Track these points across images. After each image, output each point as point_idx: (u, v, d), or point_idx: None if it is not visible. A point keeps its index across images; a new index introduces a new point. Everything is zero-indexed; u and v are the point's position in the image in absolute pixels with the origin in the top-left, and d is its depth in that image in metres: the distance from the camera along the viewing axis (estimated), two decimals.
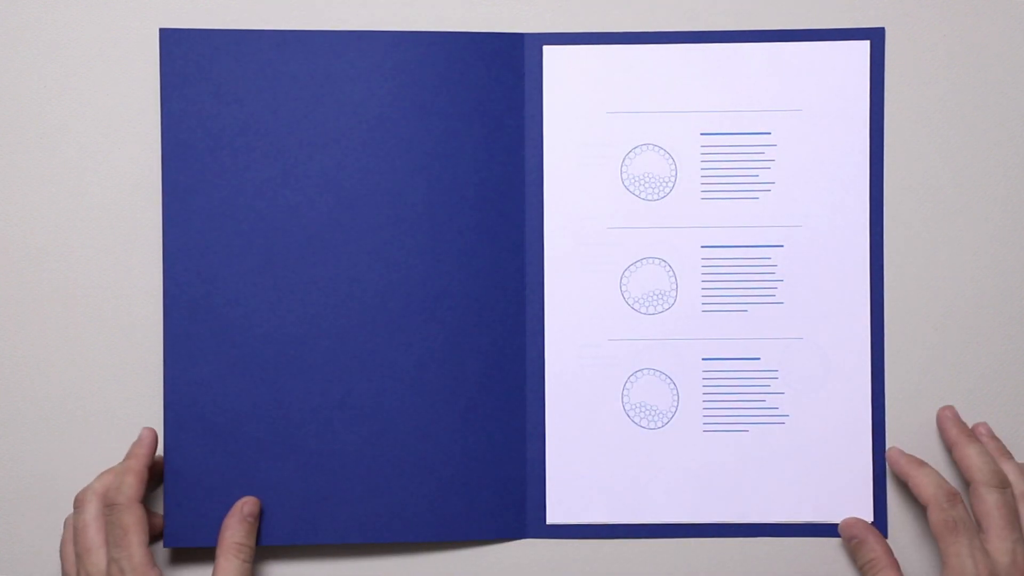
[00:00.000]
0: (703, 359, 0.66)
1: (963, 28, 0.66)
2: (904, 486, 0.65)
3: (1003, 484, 0.61)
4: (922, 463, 0.63)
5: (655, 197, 0.66)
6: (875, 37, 0.66)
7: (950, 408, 0.65)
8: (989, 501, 0.60)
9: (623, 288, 0.66)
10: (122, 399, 0.66)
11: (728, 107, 0.66)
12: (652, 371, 0.66)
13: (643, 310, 0.66)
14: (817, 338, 0.66)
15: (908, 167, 0.66)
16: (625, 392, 0.66)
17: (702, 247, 0.66)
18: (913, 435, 0.66)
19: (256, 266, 0.65)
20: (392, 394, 0.65)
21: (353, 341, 0.65)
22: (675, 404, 0.66)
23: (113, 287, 0.66)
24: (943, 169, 0.66)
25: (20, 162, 0.66)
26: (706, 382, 0.66)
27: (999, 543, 0.59)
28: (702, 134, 0.66)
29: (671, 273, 0.66)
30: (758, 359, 0.66)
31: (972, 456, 0.62)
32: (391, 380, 0.65)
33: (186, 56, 0.65)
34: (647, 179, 0.66)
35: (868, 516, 0.66)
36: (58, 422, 0.66)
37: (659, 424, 0.66)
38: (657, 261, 0.66)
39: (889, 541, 0.65)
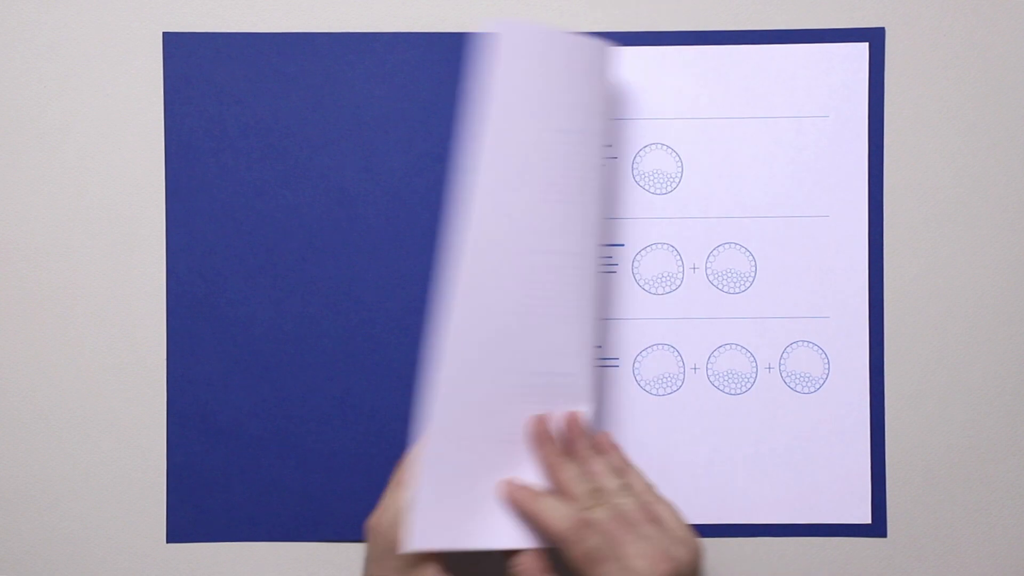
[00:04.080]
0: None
1: (963, 28, 0.66)
2: (904, 486, 0.65)
3: (600, 501, 0.57)
4: (541, 493, 0.58)
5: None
6: (875, 37, 0.66)
7: (538, 421, 0.59)
8: (599, 524, 0.56)
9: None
10: (124, 399, 0.66)
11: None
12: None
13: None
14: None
15: (908, 167, 0.66)
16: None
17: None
18: (913, 435, 0.66)
19: (258, 266, 0.65)
20: (392, 394, 0.65)
21: (353, 341, 0.65)
22: None
23: (115, 287, 0.66)
24: (943, 169, 0.66)
25: (21, 162, 0.66)
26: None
27: (632, 548, 0.55)
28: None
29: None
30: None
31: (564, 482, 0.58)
32: (391, 380, 0.65)
33: (189, 59, 0.65)
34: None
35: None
36: (59, 422, 0.66)
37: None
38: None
39: (888, 541, 0.65)
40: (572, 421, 0.60)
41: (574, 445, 0.59)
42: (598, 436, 0.62)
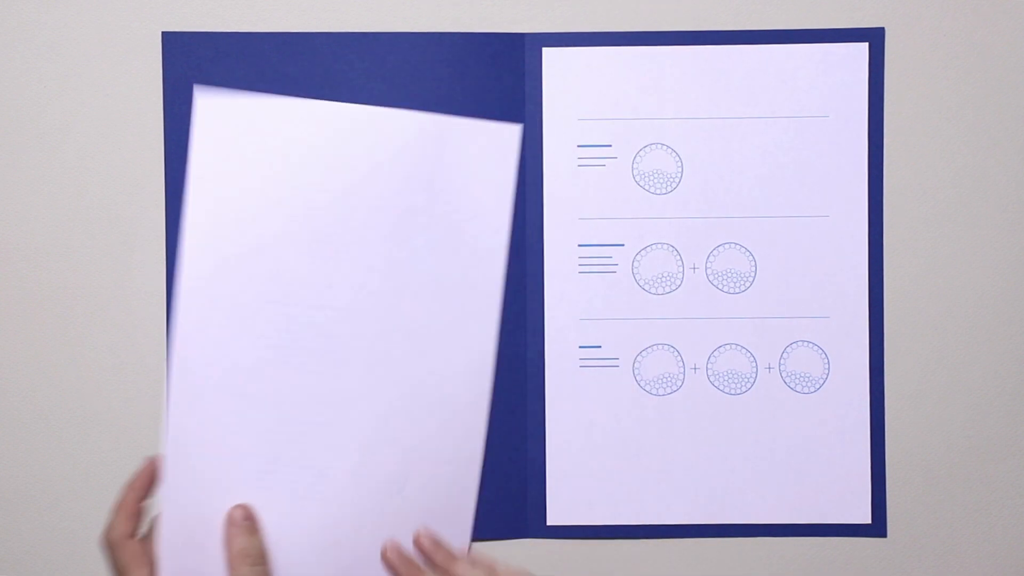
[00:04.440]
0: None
1: (963, 28, 0.66)
2: (904, 486, 0.65)
3: None
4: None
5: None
6: (875, 37, 0.66)
7: (391, 550, 0.62)
8: None
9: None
10: (123, 399, 0.66)
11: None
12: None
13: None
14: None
15: (908, 167, 0.66)
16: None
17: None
18: (913, 435, 0.66)
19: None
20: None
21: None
22: None
23: (115, 287, 0.66)
24: (943, 169, 0.66)
25: (21, 162, 0.66)
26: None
27: None
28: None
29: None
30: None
31: None
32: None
33: (189, 59, 0.65)
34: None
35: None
36: (59, 422, 0.66)
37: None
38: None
39: (888, 541, 0.66)
40: (419, 541, 0.62)
41: (432, 559, 0.61)
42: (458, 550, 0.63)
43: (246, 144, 0.61)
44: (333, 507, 0.62)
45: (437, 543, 0.62)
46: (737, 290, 0.66)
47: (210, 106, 0.61)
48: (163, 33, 0.65)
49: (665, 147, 0.66)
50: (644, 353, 0.66)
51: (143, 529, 0.59)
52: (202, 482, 0.60)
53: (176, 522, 0.59)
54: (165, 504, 0.59)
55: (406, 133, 0.62)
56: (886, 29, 0.66)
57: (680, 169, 0.66)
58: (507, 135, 0.64)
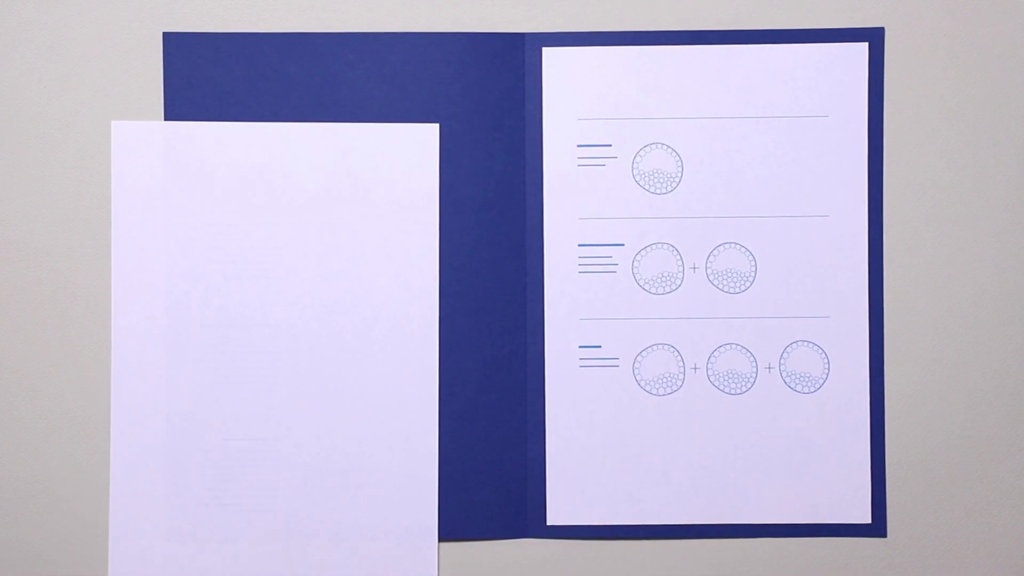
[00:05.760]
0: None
1: (963, 28, 0.66)
2: (904, 486, 0.65)
3: None
4: None
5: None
6: (875, 37, 0.66)
7: None
8: None
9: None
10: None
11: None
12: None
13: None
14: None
15: (908, 167, 0.66)
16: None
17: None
18: (913, 435, 0.66)
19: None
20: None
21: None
22: None
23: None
24: (943, 169, 0.66)
25: (21, 162, 0.66)
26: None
27: None
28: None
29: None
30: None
31: None
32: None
33: (189, 59, 0.65)
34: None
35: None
36: (59, 422, 0.66)
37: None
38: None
39: (888, 541, 0.65)
40: None
41: None
42: None
43: (164, 169, 0.64)
44: (286, 518, 0.64)
45: None
46: (737, 290, 0.66)
47: (127, 133, 0.64)
48: (164, 33, 0.66)
49: (665, 147, 0.66)
50: (644, 353, 0.66)
51: None
52: (150, 502, 0.63)
53: (125, 542, 0.64)
54: (114, 525, 0.63)
55: (322, 145, 0.64)
56: (886, 29, 0.66)
57: (680, 169, 0.66)
58: (426, 134, 0.65)
